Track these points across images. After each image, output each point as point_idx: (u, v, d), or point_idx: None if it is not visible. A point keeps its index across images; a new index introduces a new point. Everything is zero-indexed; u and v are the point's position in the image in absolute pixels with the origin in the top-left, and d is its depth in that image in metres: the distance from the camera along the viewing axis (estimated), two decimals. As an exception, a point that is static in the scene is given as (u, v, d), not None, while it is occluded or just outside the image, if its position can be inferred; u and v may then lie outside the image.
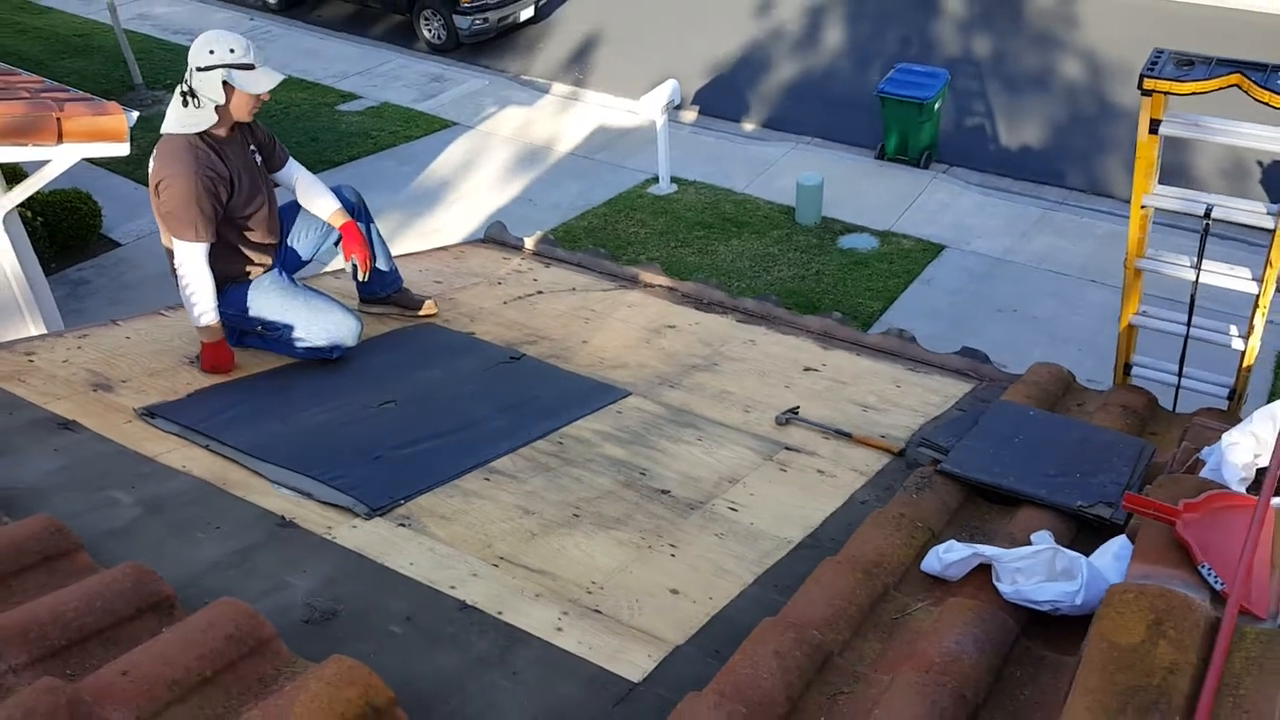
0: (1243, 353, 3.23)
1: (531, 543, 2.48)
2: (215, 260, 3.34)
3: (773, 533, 2.61)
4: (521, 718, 1.87)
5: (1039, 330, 7.97)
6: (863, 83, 11.98)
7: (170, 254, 3.32)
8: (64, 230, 8.88)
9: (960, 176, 10.36)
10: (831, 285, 8.62)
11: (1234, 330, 3.29)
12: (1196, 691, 1.51)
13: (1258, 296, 3.07)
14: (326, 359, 3.46)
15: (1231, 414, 3.30)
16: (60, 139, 4.61)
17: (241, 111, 3.30)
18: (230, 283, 3.44)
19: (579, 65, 13.34)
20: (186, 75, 3.21)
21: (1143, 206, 3.15)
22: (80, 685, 1.55)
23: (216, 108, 3.22)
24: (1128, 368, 3.57)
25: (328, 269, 4.57)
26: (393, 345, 3.69)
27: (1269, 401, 2.39)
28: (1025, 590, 2.06)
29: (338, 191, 3.73)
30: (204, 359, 3.30)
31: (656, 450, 3.03)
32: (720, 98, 12.23)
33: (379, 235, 3.91)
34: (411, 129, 11.71)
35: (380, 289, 3.91)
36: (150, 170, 3.26)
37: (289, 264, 3.73)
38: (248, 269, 3.49)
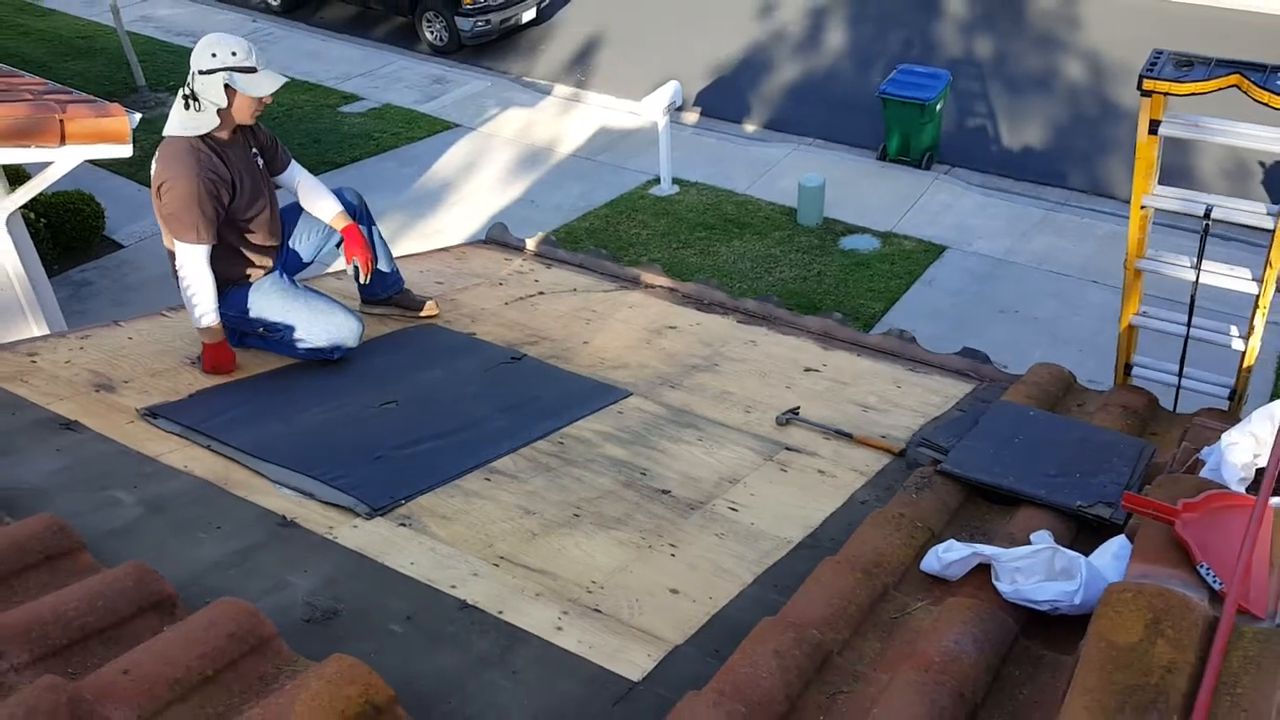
0: (1243, 353, 3.23)
1: (532, 542, 2.49)
2: (216, 262, 3.35)
3: (773, 533, 2.62)
4: (522, 717, 1.88)
5: (1040, 331, 7.97)
6: (864, 84, 11.98)
7: (172, 255, 3.33)
8: (67, 232, 8.90)
9: (962, 177, 10.37)
10: (833, 286, 8.62)
11: (1234, 331, 3.30)
12: (1194, 690, 1.51)
13: (1258, 297, 3.07)
14: (328, 360, 3.47)
15: (1232, 414, 3.30)
16: (63, 141, 4.62)
17: (243, 114, 3.31)
18: (231, 284, 3.45)
19: (581, 67, 13.35)
20: (189, 78, 3.21)
21: (1142, 207, 3.15)
22: (82, 684, 1.55)
23: (218, 111, 3.23)
24: (1128, 368, 3.58)
25: (329, 270, 4.58)
26: (394, 346, 3.70)
27: (1270, 402, 2.40)
28: (1024, 590, 2.07)
29: (339, 194, 3.74)
30: (205, 360, 3.31)
31: (657, 450, 3.04)
32: (722, 99, 12.24)
33: (380, 237, 3.92)
34: (413, 130, 11.72)
35: (382, 290, 3.92)
36: (152, 172, 3.27)
37: (291, 266, 3.74)
38: (249, 271, 3.50)
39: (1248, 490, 2.21)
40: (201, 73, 3.18)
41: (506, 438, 3.02)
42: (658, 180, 10.39)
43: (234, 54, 3.20)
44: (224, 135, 3.31)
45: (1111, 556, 2.11)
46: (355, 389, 3.32)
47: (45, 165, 4.82)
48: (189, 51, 3.30)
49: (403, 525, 2.51)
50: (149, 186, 3.35)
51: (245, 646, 1.72)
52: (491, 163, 11.06)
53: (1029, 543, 2.24)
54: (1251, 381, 3.36)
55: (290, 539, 2.39)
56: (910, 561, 2.31)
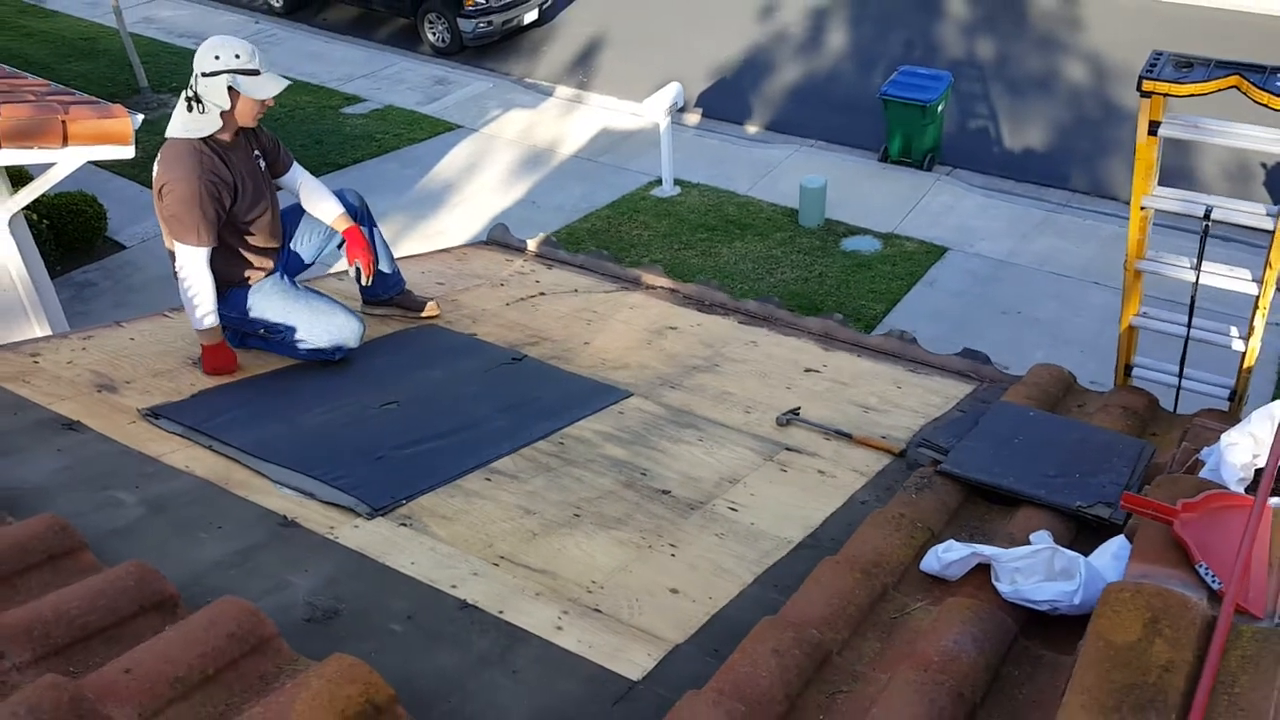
0: (1243, 354, 3.24)
1: (532, 542, 2.50)
2: (217, 264, 3.36)
3: (773, 533, 2.62)
4: (521, 716, 1.88)
5: (1042, 332, 7.97)
6: (866, 85, 11.99)
7: (172, 256, 3.34)
8: (69, 233, 8.91)
9: (963, 179, 10.37)
10: (834, 287, 8.63)
11: (1234, 331, 3.30)
12: (1192, 690, 1.52)
13: (1258, 298, 3.07)
14: (329, 360, 3.47)
15: (1232, 415, 3.30)
16: (65, 142, 4.64)
17: (246, 117, 3.32)
18: (232, 286, 3.46)
19: (583, 68, 13.37)
20: (191, 80, 3.22)
21: (1142, 208, 3.16)
22: (83, 682, 1.56)
23: (221, 113, 3.24)
24: (1128, 369, 3.58)
25: (331, 271, 4.59)
26: (395, 346, 3.71)
27: (1270, 402, 2.40)
28: (1024, 590, 2.07)
29: (341, 195, 3.74)
30: (205, 361, 3.32)
31: (657, 451, 3.04)
32: (723, 100, 12.25)
33: (381, 238, 3.93)
34: (415, 132, 11.74)
35: (383, 291, 3.93)
36: (154, 174, 3.28)
37: (292, 267, 3.75)
38: (249, 273, 3.51)
39: (1247, 490, 2.21)
40: (205, 75, 3.19)
41: (507, 438, 3.03)
42: (659, 181, 10.40)
43: (237, 56, 3.21)
44: (226, 137, 3.32)
45: (1111, 556, 2.11)
46: (356, 389, 3.33)
47: (48, 166, 4.84)
48: (191, 53, 3.31)
49: (403, 525, 2.52)
50: (151, 188, 3.35)
51: (246, 646, 1.72)
52: (493, 164, 11.08)
53: (1028, 543, 2.25)
54: (1251, 382, 3.36)
55: (291, 539, 2.40)
56: (910, 561, 2.31)
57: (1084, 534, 2.47)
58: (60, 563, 1.96)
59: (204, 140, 3.26)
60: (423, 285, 4.25)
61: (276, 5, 15.55)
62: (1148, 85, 2.84)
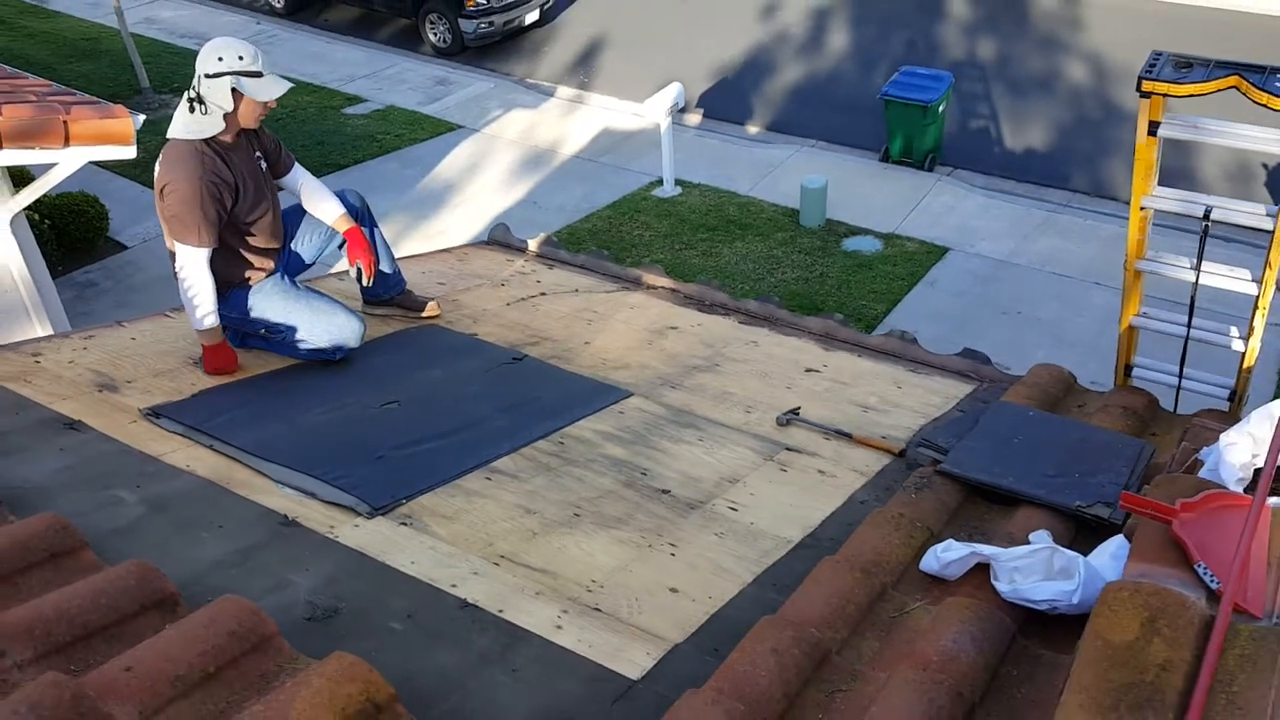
0: (1243, 354, 3.24)
1: (532, 542, 2.50)
2: (218, 264, 3.36)
3: (772, 532, 2.63)
4: (521, 714, 1.88)
5: (1043, 332, 7.97)
6: (867, 86, 11.99)
7: (173, 256, 3.34)
8: (71, 233, 8.93)
9: (964, 179, 10.37)
10: (835, 288, 8.63)
11: (1234, 331, 3.30)
12: (1190, 688, 1.52)
13: (1257, 298, 3.08)
14: (330, 360, 3.48)
15: (1232, 415, 3.30)
16: (67, 142, 4.65)
17: (248, 118, 3.33)
18: (233, 286, 3.46)
19: (584, 68, 13.37)
20: (194, 82, 3.23)
21: (1142, 208, 3.16)
22: (84, 681, 1.57)
23: (224, 115, 3.24)
24: (1128, 369, 3.58)
25: (331, 271, 4.59)
26: (396, 346, 3.71)
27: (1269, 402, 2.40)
28: (1023, 589, 2.07)
29: (342, 196, 3.75)
30: (206, 361, 3.33)
31: (657, 450, 3.05)
32: (724, 101, 12.25)
33: (382, 239, 3.93)
34: (417, 132, 11.75)
35: (383, 291, 3.93)
36: (155, 174, 3.28)
37: (293, 267, 3.76)
38: (250, 273, 3.51)
39: (1246, 490, 2.21)
40: (208, 76, 3.20)
41: (507, 438, 3.03)
42: (660, 182, 10.41)
43: (240, 58, 3.22)
44: (228, 138, 3.33)
45: (1110, 556, 2.11)
46: (357, 389, 3.33)
47: (49, 167, 4.85)
48: (193, 53, 3.32)
49: (404, 524, 2.53)
50: (152, 188, 3.36)
51: (246, 644, 1.73)
52: (494, 164, 11.08)
53: (1028, 542, 2.25)
54: (1251, 382, 3.37)
55: (292, 538, 2.40)
56: (909, 561, 2.31)
57: (1083, 534, 2.47)
58: (61, 561, 1.96)
59: (206, 141, 3.27)
60: (423, 285, 4.26)
61: (278, 6, 15.57)
62: (1147, 85, 2.84)
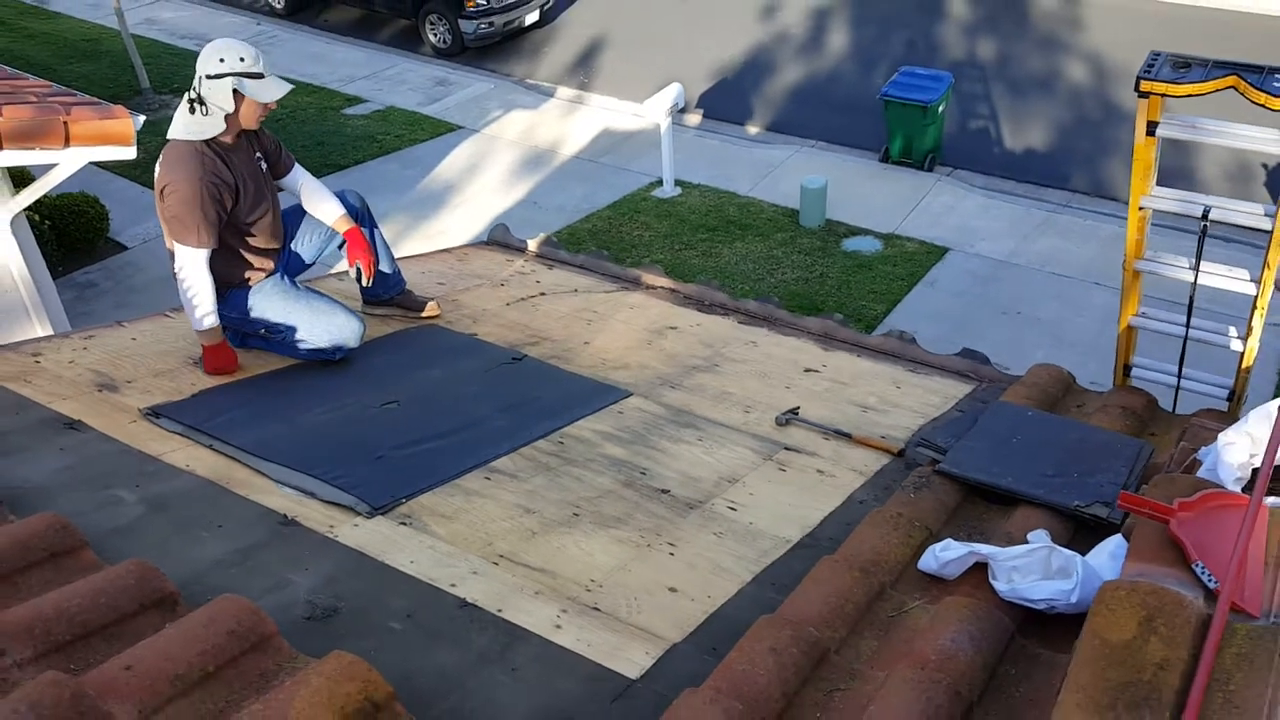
0: (1241, 354, 3.24)
1: (532, 541, 2.50)
2: (218, 264, 3.37)
3: (771, 532, 2.63)
4: (520, 714, 1.89)
5: (1043, 332, 7.97)
6: (867, 86, 11.99)
7: (173, 256, 3.35)
8: (71, 234, 8.93)
9: (964, 179, 10.37)
10: (835, 288, 8.63)
11: (1233, 331, 3.30)
12: (1187, 687, 1.52)
13: (1256, 298, 3.08)
14: (329, 360, 3.48)
15: (1231, 415, 3.30)
16: (67, 143, 4.65)
17: (249, 119, 3.33)
18: (232, 286, 3.47)
19: (584, 69, 13.38)
20: (195, 83, 3.23)
21: (1141, 208, 3.17)
22: (84, 679, 1.57)
23: (225, 116, 3.25)
24: (1127, 369, 3.58)
25: (331, 271, 4.60)
26: (395, 346, 3.72)
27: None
28: (1021, 588, 2.08)
29: (341, 197, 3.76)
30: (206, 362, 3.33)
31: (657, 450, 3.05)
32: (724, 101, 12.26)
33: (382, 239, 3.94)
34: (417, 132, 11.76)
35: (383, 291, 3.94)
36: (156, 175, 3.29)
37: (293, 267, 3.76)
38: (250, 273, 3.52)
39: (1244, 489, 2.22)
40: (209, 77, 3.20)
41: (507, 437, 3.04)
42: (660, 182, 10.41)
43: (242, 59, 3.22)
44: (228, 139, 3.33)
45: (1108, 556, 2.12)
46: (356, 389, 3.33)
47: (50, 167, 4.85)
48: (193, 54, 3.33)
49: (403, 524, 2.53)
50: (153, 189, 3.37)
51: (246, 643, 1.73)
52: (494, 164, 11.09)
53: (1026, 542, 2.25)
54: (1250, 382, 3.37)
55: (291, 538, 2.40)
56: (908, 560, 2.32)
57: (1082, 533, 2.48)
58: (61, 561, 1.97)
59: (206, 142, 3.27)
60: (423, 285, 4.26)
61: (278, 6, 15.58)
62: (1145, 85, 2.85)
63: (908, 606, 2.15)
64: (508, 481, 2.80)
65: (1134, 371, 3.58)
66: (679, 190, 10.34)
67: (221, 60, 3.20)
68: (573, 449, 3.02)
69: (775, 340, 4.01)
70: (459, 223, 9.94)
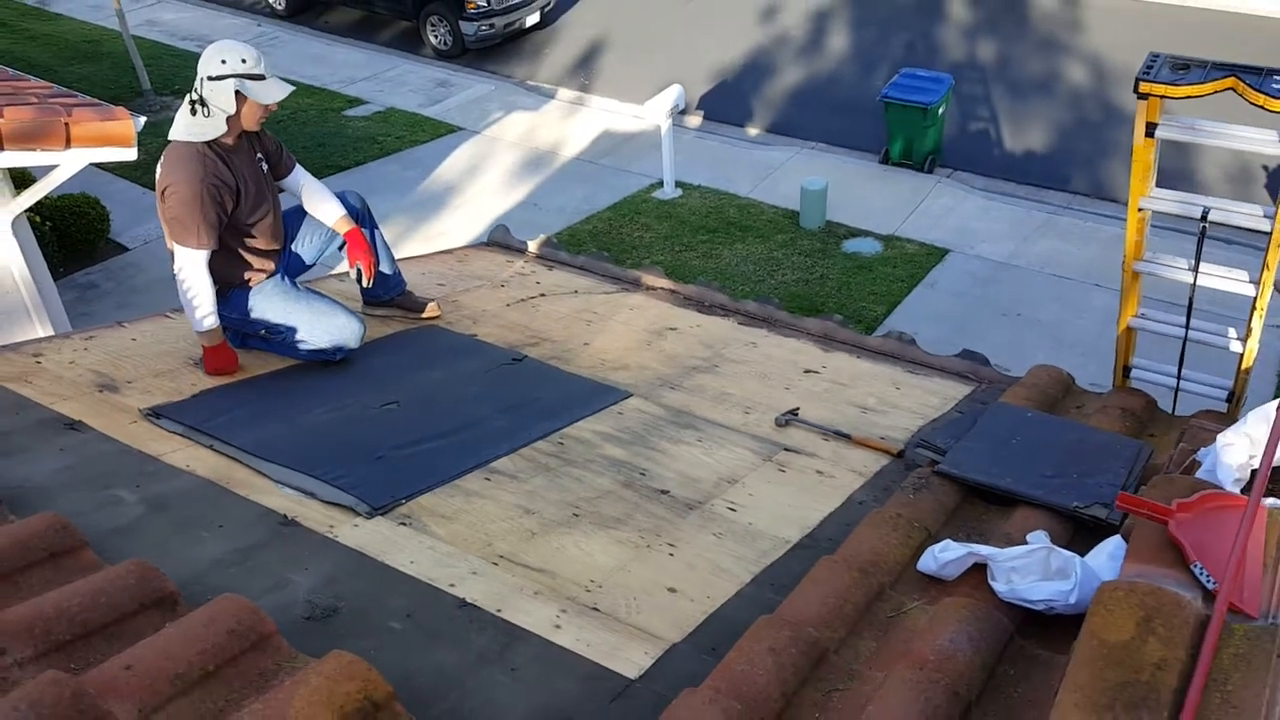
0: (1241, 355, 3.24)
1: (531, 542, 2.51)
2: (218, 265, 3.37)
3: (771, 533, 2.63)
4: (520, 713, 1.89)
5: (1043, 334, 7.97)
6: (867, 88, 12.00)
7: (174, 256, 3.35)
8: (72, 235, 8.94)
9: (964, 181, 10.38)
10: (835, 289, 8.63)
11: (1232, 333, 3.30)
12: (1185, 687, 1.53)
13: (1255, 299, 3.08)
14: (329, 361, 3.49)
15: (1230, 416, 3.30)
16: (68, 144, 4.66)
17: (250, 121, 3.34)
18: (233, 287, 3.47)
19: (584, 70, 13.39)
20: (196, 84, 3.24)
21: (1140, 209, 3.17)
22: (84, 679, 1.58)
23: (227, 117, 3.26)
24: (1127, 370, 3.59)
25: (332, 272, 4.60)
26: (395, 347, 3.72)
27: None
28: (1020, 589, 2.08)
29: (342, 197, 3.76)
30: (207, 362, 3.33)
31: (656, 451, 3.05)
32: (725, 103, 12.26)
33: (382, 240, 3.94)
34: (417, 134, 11.77)
35: (383, 292, 3.94)
36: (157, 176, 3.29)
37: (293, 268, 3.76)
38: (250, 274, 3.52)
39: (1242, 491, 2.22)
40: (210, 79, 3.21)
41: (506, 438, 3.04)
42: (661, 184, 10.42)
43: (244, 61, 3.23)
44: (229, 141, 3.34)
45: (1107, 556, 2.12)
46: (356, 390, 3.34)
47: (51, 168, 4.86)
48: (194, 55, 3.34)
49: (403, 524, 2.53)
50: (154, 190, 3.37)
51: (246, 643, 1.74)
52: (495, 166, 11.10)
53: (1025, 543, 2.26)
54: (1250, 384, 3.37)
55: (291, 538, 2.41)
56: (907, 561, 2.32)
57: (1081, 534, 2.48)
58: (62, 560, 1.97)
59: (207, 143, 3.27)
60: (423, 286, 4.27)
61: (278, 7, 15.59)
62: (1144, 87, 2.85)
63: (907, 607, 2.15)
64: (507, 482, 2.80)
65: (1133, 373, 3.58)
66: (679, 192, 10.34)
67: (223, 62, 3.21)
68: (572, 450, 3.02)
69: (775, 341, 4.01)
70: (459, 224, 9.94)
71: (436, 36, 14.00)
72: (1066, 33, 13.07)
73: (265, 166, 3.53)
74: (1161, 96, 2.84)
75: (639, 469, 2.93)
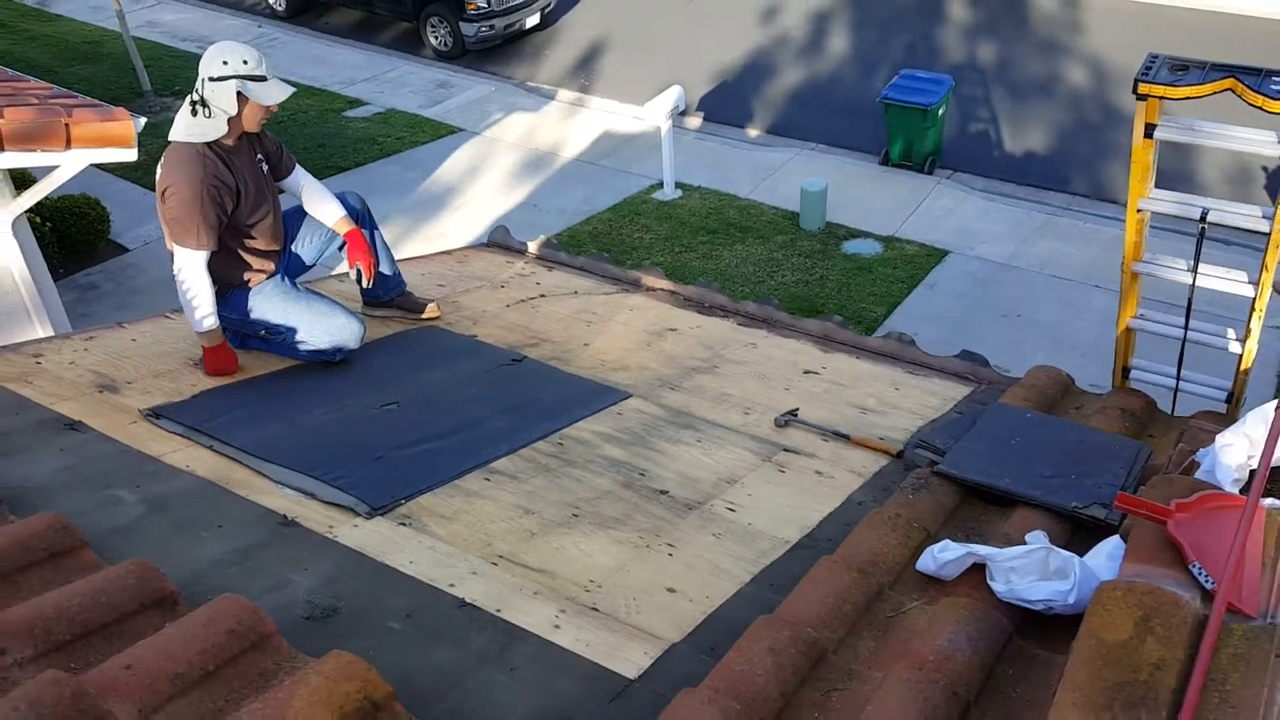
0: (1240, 356, 3.25)
1: (531, 542, 2.51)
2: (218, 266, 3.38)
3: (770, 533, 2.63)
4: (519, 713, 1.89)
5: (1043, 335, 7.97)
6: (867, 89, 12.01)
7: (173, 256, 3.36)
8: (72, 235, 8.94)
9: (964, 182, 10.38)
10: (835, 290, 8.64)
11: (1231, 334, 3.31)
12: (1183, 687, 1.53)
13: (1254, 300, 3.09)
14: (329, 361, 3.49)
15: (1230, 417, 3.30)
16: (69, 145, 4.66)
17: (251, 122, 3.34)
18: (233, 288, 3.48)
19: (584, 72, 13.40)
20: (197, 85, 3.24)
21: (1139, 210, 3.17)
22: (84, 678, 1.58)
23: (228, 119, 3.26)
24: (1126, 371, 3.59)
25: (332, 272, 4.60)
26: (395, 347, 3.73)
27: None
28: (1019, 589, 2.08)
29: (342, 198, 3.76)
30: (207, 363, 3.34)
31: (656, 451, 3.05)
32: (725, 104, 12.27)
33: (382, 240, 3.94)
34: (418, 135, 11.77)
35: (383, 293, 3.94)
36: (157, 176, 3.30)
37: (293, 269, 3.77)
38: (250, 275, 3.52)
39: (1241, 491, 2.22)
40: (212, 80, 3.21)
41: (506, 438, 3.04)
42: (661, 185, 10.42)
43: (245, 62, 3.24)
44: (230, 142, 3.34)
45: (1106, 557, 2.12)
46: (356, 390, 3.34)
47: (51, 169, 4.86)
48: (194, 56, 3.35)
49: (403, 524, 2.53)
50: (154, 191, 3.38)
51: (245, 643, 1.74)
52: (495, 167, 11.10)
53: (1024, 543, 2.26)
54: (1249, 384, 3.37)
55: (291, 538, 2.41)
56: (906, 561, 2.32)
57: (1080, 535, 2.48)
58: (62, 560, 1.98)
59: (208, 144, 3.28)
60: (423, 287, 4.27)
61: (278, 8, 15.59)
62: (1143, 88, 2.86)
63: (906, 607, 2.15)
64: (507, 482, 2.81)
65: (1133, 373, 3.59)
66: (679, 193, 10.35)
67: (225, 63, 3.22)
68: (572, 450, 3.03)
69: (775, 342, 4.01)
70: (459, 225, 9.95)
71: (437, 37, 14.00)
72: (1066, 34, 13.08)
73: (265, 167, 3.53)
74: (1160, 97, 2.85)
75: (638, 469, 2.93)
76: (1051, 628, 2.05)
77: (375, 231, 3.90)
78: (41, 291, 5.45)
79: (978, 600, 2.08)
